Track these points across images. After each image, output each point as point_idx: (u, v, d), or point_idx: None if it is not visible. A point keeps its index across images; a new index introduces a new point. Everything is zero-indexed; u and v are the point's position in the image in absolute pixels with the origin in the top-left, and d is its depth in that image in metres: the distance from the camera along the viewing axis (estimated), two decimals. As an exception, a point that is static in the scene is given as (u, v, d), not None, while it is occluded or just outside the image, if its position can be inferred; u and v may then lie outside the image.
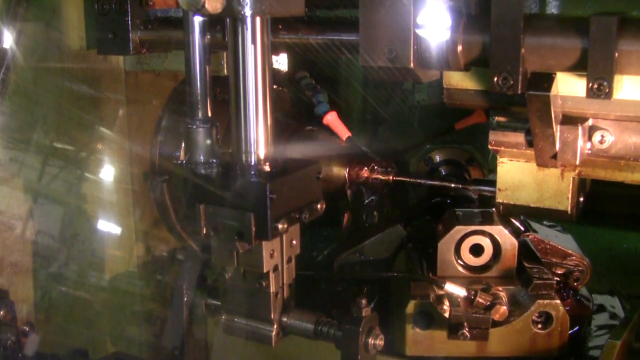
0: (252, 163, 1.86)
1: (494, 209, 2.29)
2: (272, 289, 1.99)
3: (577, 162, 1.92)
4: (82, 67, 2.59)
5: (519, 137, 2.02)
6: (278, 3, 1.80)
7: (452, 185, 2.57)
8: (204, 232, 1.92)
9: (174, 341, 2.54)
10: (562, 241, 2.46)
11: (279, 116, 2.61)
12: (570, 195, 2.07)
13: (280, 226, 1.82)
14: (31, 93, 2.44)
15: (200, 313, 2.76)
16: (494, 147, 2.07)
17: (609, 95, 1.65)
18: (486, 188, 2.43)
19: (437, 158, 2.95)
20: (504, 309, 2.14)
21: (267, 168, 1.87)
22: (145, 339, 2.93)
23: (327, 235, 3.31)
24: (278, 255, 1.98)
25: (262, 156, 1.86)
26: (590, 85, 1.66)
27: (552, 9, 2.01)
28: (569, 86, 1.86)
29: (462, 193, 2.60)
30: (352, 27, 1.96)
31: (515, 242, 2.25)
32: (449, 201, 2.60)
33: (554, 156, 1.92)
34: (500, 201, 2.15)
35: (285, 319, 2.04)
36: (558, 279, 2.36)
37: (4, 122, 2.36)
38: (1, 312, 2.31)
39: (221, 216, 1.86)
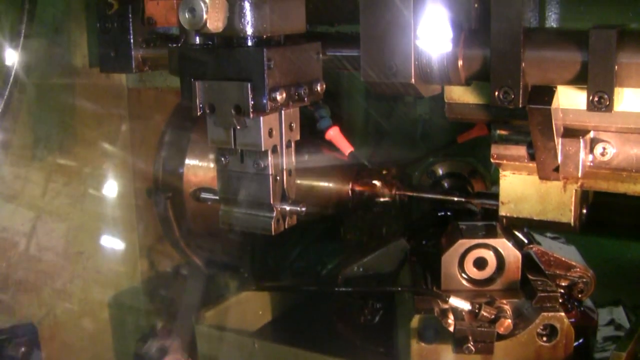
0: (250, 33, 1.78)
1: (497, 222, 2.29)
2: (271, 171, 1.94)
3: (580, 175, 1.92)
4: (85, 84, 2.60)
5: (521, 150, 2.02)
6: (279, 21, 1.81)
7: (455, 198, 2.57)
8: (199, 111, 1.86)
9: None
10: (566, 253, 2.45)
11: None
12: (573, 208, 2.07)
13: (278, 96, 1.77)
14: (34, 110, 2.45)
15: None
16: (496, 160, 2.07)
17: (609, 107, 1.65)
18: (489, 201, 2.43)
19: (440, 171, 2.95)
20: (508, 322, 2.13)
21: (264, 37, 1.81)
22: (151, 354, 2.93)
23: (332, 249, 3.31)
24: (277, 135, 1.94)
25: (260, 27, 1.79)
26: (591, 98, 1.66)
27: (552, 22, 2.01)
28: (569, 99, 1.86)
29: (465, 206, 2.60)
30: (354, 42, 1.96)
31: (518, 255, 2.25)
32: (451, 214, 2.59)
33: (556, 169, 1.92)
34: (504, 214, 2.14)
35: (285, 207, 1.99)
36: (562, 290, 2.35)
37: (7, 139, 2.37)
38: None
39: (217, 90, 1.82)
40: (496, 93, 1.75)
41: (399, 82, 1.86)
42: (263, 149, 1.90)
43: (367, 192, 2.65)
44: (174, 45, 2.02)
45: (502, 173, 2.12)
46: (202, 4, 1.68)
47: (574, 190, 2.05)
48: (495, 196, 2.19)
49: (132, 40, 2.40)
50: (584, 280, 2.38)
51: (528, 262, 2.33)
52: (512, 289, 2.27)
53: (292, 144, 2.01)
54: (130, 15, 2.38)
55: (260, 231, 2.00)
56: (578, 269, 2.38)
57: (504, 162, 2.07)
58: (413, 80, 1.85)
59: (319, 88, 1.94)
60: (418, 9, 1.81)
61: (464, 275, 2.27)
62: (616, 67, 1.63)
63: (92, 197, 2.66)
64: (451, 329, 2.17)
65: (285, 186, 2.00)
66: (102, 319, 2.74)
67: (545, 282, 2.26)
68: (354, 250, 2.78)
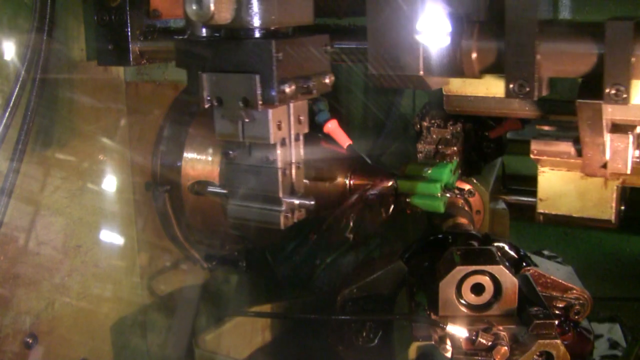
0: (257, 25, 1.76)
1: (493, 247, 2.28)
2: (280, 164, 1.92)
3: (628, 171, 1.89)
4: (83, 78, 2.59)
5: (561, 146, 2.01)
6: (287, 12, 1.80)
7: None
8: (207, 103, 1.84)
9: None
10: (563, 274, 2.44)
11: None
12: (614, 204, 2.05)
13: (287, 89, 1.75)
14: (32, 104, 2.44)
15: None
16: (536, 156, 2.06)
17: (625, 100, 1.64)
18: (525, 198, 2.40)
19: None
20: (505, 349, 2.13)
21: (272, 29, 1.79)
22: (149, 349, 2.93)
23: (330, 243, 3.31)
24: (286, 127, 1.91)
25: (267, 18, 1.76)
26: (608, 90, 1.65)
27: (565, 14, 1.99)
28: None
29: (463, 228, 2.59)
30: (360, 35, 1.95)
31: (515, 281, 2.21)
32: (449, 237, 2.57)
33: (604, 165, 1.90)
34: (541, 211, 2.13)
35: (294, 201, 1.96)
36: (559, 312, 2.35)
37: (5, 134, 2.36)
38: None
39: (224, 83, 1.80)
40: (511, 85, 1.74)
41: (407, 74, 1.84)
42: (272, 142, 1.88)
43: (364, 186, 2.64)
44: (180, 37, 1.98)
45: (540, 169, 2.10)
46: (209, -4, 1.65)
47: (615, 187, 2.03)
48: (531, 193, 2.16)
49: (129, 33, 2.40)
50: (581, 302, 2.37)
51: (525, 285, 2.31)
52: (509, 314, 2.25)
53: (301, 137, 1.99)
54: (128, 8, 2.38)
55: (269, 225, 1.98)
56: (575, 291, 2.37)
57: (544, 157, 2.05)
58: (422, 72, 1.83)
59: (327, 80, 1.94)
60: (427, 1, 1.79)
61: (461, 301, 2.25)
62: (633, 59, 1.62)
63: (90, 191, 2.65)
64: (448, 354, 2.17)
65: (293, 179, 1.98)
66: (100, 313, 2.74)
67: (540, 310, 2.23)
68: (354, 271, 2.76)
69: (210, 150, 2.76)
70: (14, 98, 2.25)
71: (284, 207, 1.95)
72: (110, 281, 2.75)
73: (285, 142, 1.93)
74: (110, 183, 2.72)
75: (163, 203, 2.78)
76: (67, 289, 2.59)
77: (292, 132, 1.95)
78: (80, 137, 2.59)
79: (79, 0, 2.54)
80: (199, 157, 2.78)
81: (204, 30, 1.91)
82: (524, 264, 2.41)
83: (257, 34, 1.77)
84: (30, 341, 2.44)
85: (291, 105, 1.91)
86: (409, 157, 2.94)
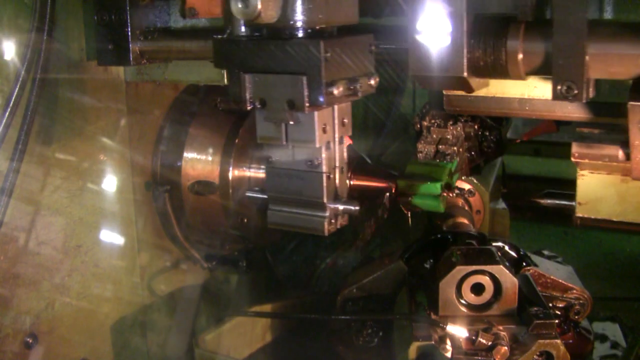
0: (303, 24, 1.70)
1: (493, 247, 2.28)
2: (324, 168, 1.86)
3: None
4: (83, 77, 2.59)
5: (604, 149, 1.98)
6: (333, 11, 1.75)
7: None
8: (249, 105, 1.77)
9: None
10: (563, 273, 2.43)
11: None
12: None
13: (335, 91, 1.69)
14: (32, 104, 2.43)
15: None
16: (577, 159, 2.03)
17: (677, 103, 1.60)
18: (563, 202, 2.38)
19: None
20: (505, 349, 2.12)
21: (317, 29, 1.73)
22: (149, 349, 2.93)
23: (330, 242, 3.31)
24: (330, 130, 1.85)
25: (314, 17, 1.70)
26: (660, 93, 1.61)
27: (614, 14, 1.95)
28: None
29: (464, 228, 2.59)
30: (402, 35, 1.90)
31: (515, 281, 2.21)
32: (449, 237, 2.56)
33: None
34: (580, 215, 2.10)
35: (338, 206, 1.90)
36: (559, 312, 2.35)
37: (5, 134, 2.36)
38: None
39: (269, 84, 1.74)
40: (558, 87, 1.69)
41: (450, 76, 1.81)
42: (317, 145, 1.83)
43: (364, 186, 2.64)
44: (220, 36, 1.90)
45: (579, 172, 2.06)
46: (256, -7, 1.60)
47: (656, 191, 2.01)
48: (569, 196, 2.14)
49: (129, 33, 2.39)
50: (581, 302, 2.37)
51: (525, 285, 2.31)
52: (509, 314, 2.25)
53: (344, 140, 1.94)
54: (128, 8, 2.38)
55: (312, 232, 1.93)
56: (575, 291, 2.37)
57: (586, 161, 2.02)
58: (465, 74, 1.80)
59: (372, 82, 1.87)
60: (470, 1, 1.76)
61: (462, 301, 2.25)
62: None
63: (90, 191, 2.65)
64: (448, 354, 2.17)
65: (337, 184, 1.93)
66: (100, 313, 2.74)
67: (540, 309, 2.23)
68: (354, 271, 2.76)
69: (211, 150, 2.76)
70: (14, 98, 2.25)
71: (327, 213, 1.90)
72: (110, 281, 2.75)
73: (330, 146, 1.88)
74: (110, 183, 2.72)
75: (163, 203, 2.78)
76: (67, 289, 2.59)
77: (337, 135, 1.89)
78: (80, 137, 2.59)
79: (79, 0, 2.53)
80: (199, 157, 2.78)
81: (243, 29, 1.85)
82: (524, 263, 2.41)
83: (301, 34, 1.71)
84: (30, 341, 2.44)
85: (336, 107, 1.86)
86: (409, 157, 2.94)
